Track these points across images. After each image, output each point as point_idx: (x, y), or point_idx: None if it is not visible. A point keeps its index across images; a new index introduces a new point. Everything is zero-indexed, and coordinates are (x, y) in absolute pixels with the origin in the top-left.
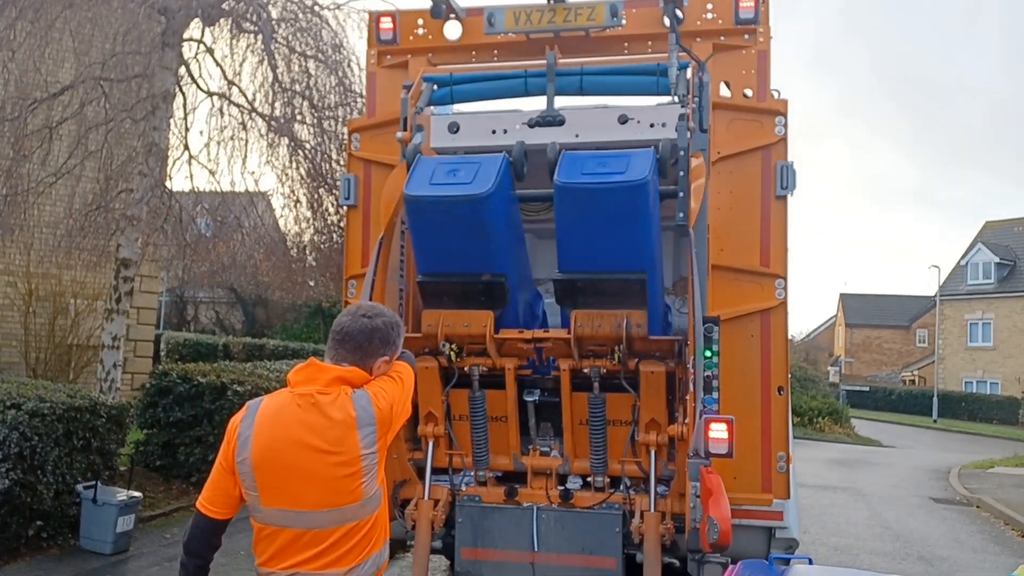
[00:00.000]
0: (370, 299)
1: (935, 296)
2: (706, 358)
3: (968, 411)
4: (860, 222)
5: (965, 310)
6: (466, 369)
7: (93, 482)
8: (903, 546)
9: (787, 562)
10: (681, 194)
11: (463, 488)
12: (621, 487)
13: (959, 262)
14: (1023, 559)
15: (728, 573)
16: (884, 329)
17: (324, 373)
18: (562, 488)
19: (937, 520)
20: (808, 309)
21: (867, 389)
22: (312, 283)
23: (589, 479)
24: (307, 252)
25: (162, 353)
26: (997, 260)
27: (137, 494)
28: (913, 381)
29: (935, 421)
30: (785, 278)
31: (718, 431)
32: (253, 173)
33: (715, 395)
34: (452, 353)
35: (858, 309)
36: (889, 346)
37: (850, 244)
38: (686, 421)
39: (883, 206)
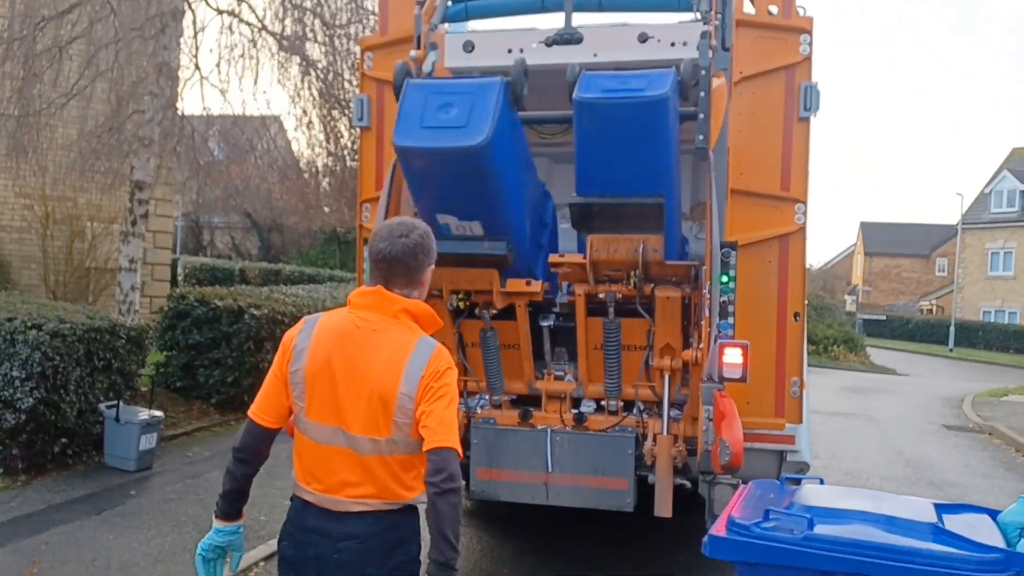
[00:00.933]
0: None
1: (957, 225)
2: (722, 283)
3: (985, 340)
4: (883, 149)
5: (987, 239)
6: (476, 311)
7: (115, 402)
8: (914, 472)
9: (798, 483)
10: (701, 116)
11: (478, 411)
12: (634, 411)
13: (983, 190)
14: None
15: (739, 492)
16: (903, 258)
17: (391, 304)
18: (576, 411)
19: (949, 447)
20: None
21: (884, 318)
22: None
23: (603, 403)
24: (321, 176)
25: (179, 278)
26: (1022, 188)
27: (159, 413)
28: (931, 310)
29: (951, 350)
30: (805, 203)
31: (733, 356)
32: (265, 93)
33: (730, 320)
34: (460, 303)
35: (878, 238)
36: (908, 275)
37: (872, 171)
38: (701, 346)
39: (909, 131)
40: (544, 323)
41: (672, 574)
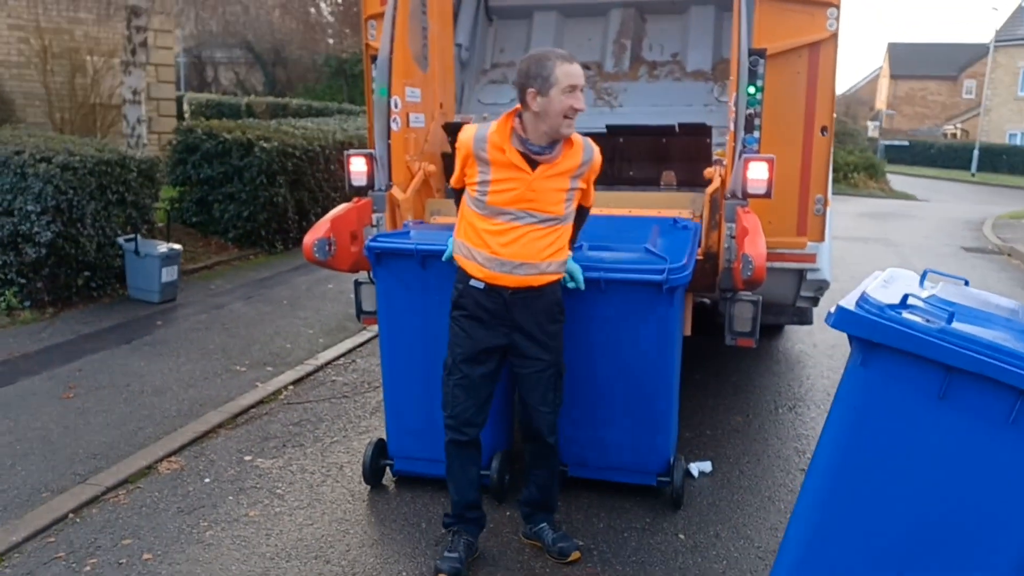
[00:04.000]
0: (390, 41)
1: (990, 42)
2: (749, 95)
3: (1008, 164)
4: None
5: (1019, 57)
6: None
7: (133, 235)
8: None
9: (942, 277)
10: None
11: None
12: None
13: (1020, 3)
14: None
15: (874, 276)
16: (930, 80)
17: None
18: None
19: (967, 267)
20: (852, 62)
21: (907, 144)
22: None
23: None
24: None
25: (185, 114)
26: None
27: (177, 246)
28: (955, 135)
29: (973, 175)
30: (839, 6)
31: (757, 171)
32: None
33: (756, 135)
34: None
35: (905, 59)
36: (934, 98)
37: None
38: (724, 161)
39: None
40: None
41: (689, 392)
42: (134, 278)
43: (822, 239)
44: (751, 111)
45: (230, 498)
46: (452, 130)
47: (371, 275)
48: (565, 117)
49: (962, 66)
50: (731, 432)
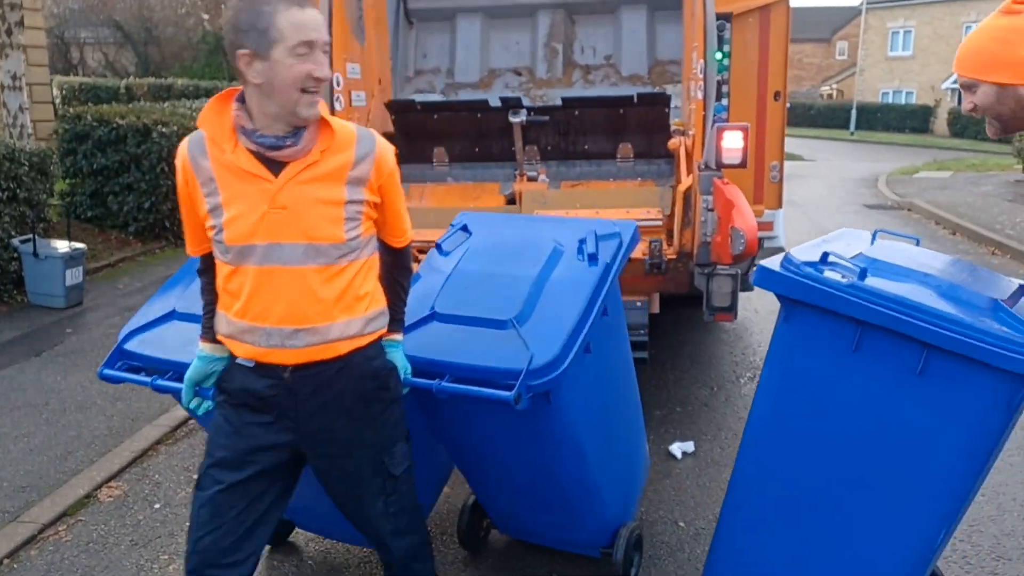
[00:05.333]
0: (329, 11)
1: (861, 4)
2: (717, 60)
3: (883, 122)
4: None
5: (888, 18)
6: None
7: (29, 236)
8: None
9: (895, 237)
10: None
11: None
12: None
13: None
14: (955, 253)
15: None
16: (804, 43)
17: None
18: None
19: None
20: None
21: (789, 106)
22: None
23: None
24: None
25: (56, 100)
26: None
27: (81, 245)
28: (831, 95)
29: (852, 133)
30: None
31: (732, 140)
32: None
33: (724, 102)
34: None
35: None
36: (809, 60)
37: None
38: (691, 132)
39: None
40: (515, 119)
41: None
42: (35, 282)
43: (779, 206)
44: (720, 77)
45: (187, 524)
46: (397, 109)
47: None
48: (303, 92)
49: (835, 28)
50: (700, 407)
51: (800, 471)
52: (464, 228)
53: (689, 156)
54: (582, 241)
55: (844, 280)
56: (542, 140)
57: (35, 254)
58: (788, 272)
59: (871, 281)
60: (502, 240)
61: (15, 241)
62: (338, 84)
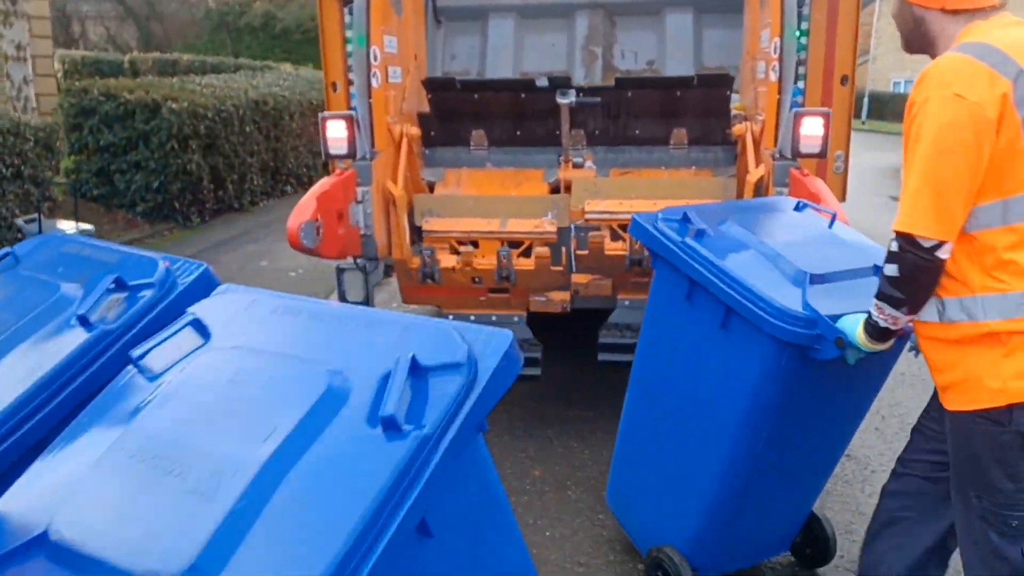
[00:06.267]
0: None
1: None
2: (796, 38)
3: (895, 112)
4: None
5: None
6: None
7: (33, 216)
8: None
9: (803, 208)
10: None
11: None
12: None
13: None
14: None
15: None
16: None
17: None
18: None
19: None
20: None
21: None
22: None
23: None
24: None
25: (58, 75)
26: None
27: (89, 226)
28: None
29: (863, 123)
30: None
31: (812, 127)
32: None
33: (801, 85)
34: None
35: None
36: None
37: None
38: (758, 117)
39: None
40: (563, 100)
41: None
42: None
43: (843, 199)
44: (797, 57)
45: None
46: (435, 86)
47: (356, 260)
48: None
49: None
50: None
51: (658, 396)
52: (197, 326)
53: (756, 143)
54: (385, 378)
55: (679, 240)
56: (589, 124)
57: (40, 235)
58: (647, 225)
59: (704, 242)
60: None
61: (19, 221)
62: (375, 58)
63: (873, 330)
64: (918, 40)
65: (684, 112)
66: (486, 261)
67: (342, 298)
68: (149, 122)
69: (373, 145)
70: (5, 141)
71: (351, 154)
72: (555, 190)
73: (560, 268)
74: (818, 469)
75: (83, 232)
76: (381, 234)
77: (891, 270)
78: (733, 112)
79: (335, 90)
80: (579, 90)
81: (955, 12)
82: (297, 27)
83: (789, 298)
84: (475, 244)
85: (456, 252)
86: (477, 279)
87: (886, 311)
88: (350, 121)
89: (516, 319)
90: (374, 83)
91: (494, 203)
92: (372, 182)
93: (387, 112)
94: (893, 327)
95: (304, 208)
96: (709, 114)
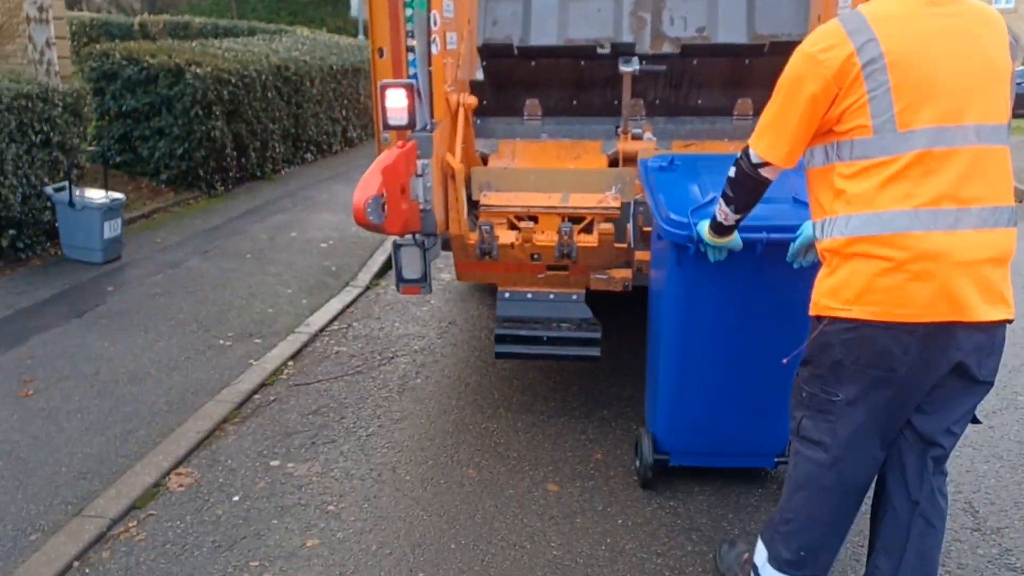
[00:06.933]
0: None
1: None
2: None
3: None
4: None
5: None
6: None
7: (63, 184)
8: None
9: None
10: None
11: None
12: None
13: None
14: None
15: None
16: None
17: None
18: None
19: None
20: None
21: None
22: None
23: None
24: None
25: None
26: None
27: (119, 195)
28: None
29: None
30: None
31: None
32: None
33: None
34: None
35: None
36: None
37: None
38: None
39: None
40: (626, 68)
41: None
42: (70, 235)
43: None
44: None
45: (274, 522)
46: (491, 52)
47: (415, 236)
48: None
49: None
50: None
51: (651, 316)
52: None
53: None
54: None
55: (646, 168)
56: (650, 93)
57: (71, 204)
58: (642, 164)
59: (660, 175)
60: None
61: (48, 189)
62: (435, 23)
63: (713, 223)
64: None
65: (752, 81)
66: (546, 237)
67: (399, 275)
68: (172, 87)
69: (432, 116)
70: (34, 107)
71: (411, 124)
72: (613, 162)
73: (624, 246)
74: (773, 381)
75: (114, 201)
76: (439, 209)
77: (731, 172)
78: None
79: (381, 56)
80: (642, 57)
81: None
82: None
83: (681, 212)
84: (533, 219)
85: (515, 227)
86: (536, 256)
87: (722, 207)
88: (411, 90)
89: (575, 297)
90: (433, 50)
91: (555, 176)
92: (432, 154)
93: (444, 80)
94: (725, 222)
95: (369, 182)
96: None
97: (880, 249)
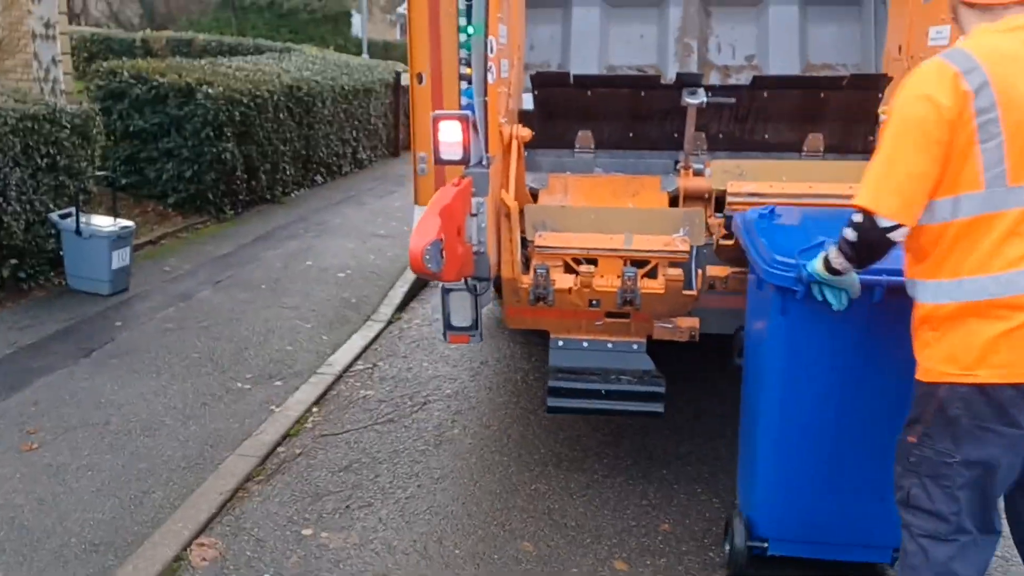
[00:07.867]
0: None
1: None
2: None
3: None
4: None
5: None
6: None
7: (69, 210)
8: None
9: None
10: None
11: None
12: None
13: None
14: None
15: None
16: None
17: None
18: (722, 214)
19: None
20: None
21: None
22: None
23: None
24: None
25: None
26: None
27: (129, 223)
28: None
29: None
30: None
31: None
32: None
33: None
34: None
35: None
36: None
37: None
38: None
39: None
40: (691, 100)
41: None
42: (76, 265)
43: None
44: None
45: None
46: (544, 81)
47: (467, 281)
48: None
49: None
50: None
51: (745, 377)
52: None
53: None
54: None
55: (744, 217)
56: (712, 126)
57: (77, 232)
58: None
59: (758, 223)
60: None
61: (54, 216)
62: (491, 50)
63: (827, 264)
64: (962, 31)
65: (824, 116)
66: (606, 282)
67: (447, 323)
68: (183, 107)
69: (487, 149)
70: (40, 128)
71: (465, 160)
72: (673, 200)
73: (694, 293)
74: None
75: (123, 229)
76: (492, 251)
77: (851, 235)
78: (882, 116)
79: (420, 82)
80: (708, 89)
81: (971, 5)
82: (304, 6)
83: (787, 254)
84: (592, 262)
85: (572, 271)
86: (595, 302)
87: (840, 259)
88: (466, 122)
89: (635, 347)
90: (490, 78)
91: (617, 216)
92: (488, 192)
93: (499, 111)
94: (842, 269)
95: (427, 226)
96: (853, 119)
97: (999, 311)
